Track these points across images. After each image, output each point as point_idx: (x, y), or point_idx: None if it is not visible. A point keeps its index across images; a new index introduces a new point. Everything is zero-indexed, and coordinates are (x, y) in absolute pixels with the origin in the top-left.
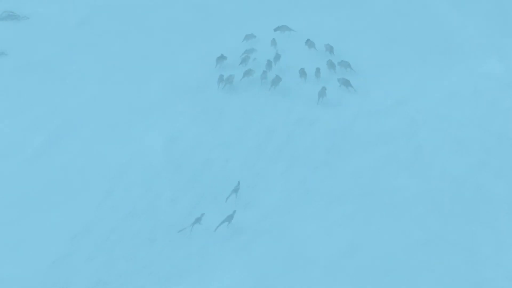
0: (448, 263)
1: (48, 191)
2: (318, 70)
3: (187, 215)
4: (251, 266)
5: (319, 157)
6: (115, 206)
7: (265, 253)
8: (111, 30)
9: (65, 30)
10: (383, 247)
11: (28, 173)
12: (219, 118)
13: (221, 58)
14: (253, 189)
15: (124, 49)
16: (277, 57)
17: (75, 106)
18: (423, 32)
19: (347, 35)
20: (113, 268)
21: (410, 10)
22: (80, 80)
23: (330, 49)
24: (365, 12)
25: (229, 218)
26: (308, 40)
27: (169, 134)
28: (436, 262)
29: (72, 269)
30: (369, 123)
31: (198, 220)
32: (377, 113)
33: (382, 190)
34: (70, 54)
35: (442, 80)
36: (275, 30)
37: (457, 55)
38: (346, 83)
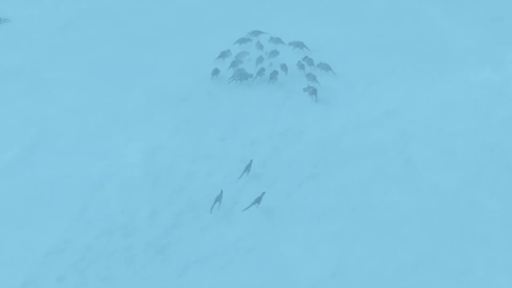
0: (439, 285)
1: (18, 207)
2: (299, 63)
3: (166, 232)
4: (233, 287)
5: (305, 171)
6: (90, 222)
7: (247, 273)
8: (94, 35)
9: (46, 34)
10: (371, 267)
11: None
12: (202, 128)
13: (226, 53)
14: (236, 204)
15: (106, 55)
16: (275, 53)
17: (51, 116)
18: (415, 40)
19: (337, 42)
20: None
21: (402, 17)
22: (58, 88)
23: (300, 45)
24: (355, 19)
25: (258, 200)
26: (271, 37)
27: (149, 145)
28: (427, 283)
29: None
30: (357, 135)
31: (219, 198)
32: (366, 124)
33: (371, 206)
34: (50, 59)
35: (434, 89)
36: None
37: (450, 64)
38: (312, 78)
